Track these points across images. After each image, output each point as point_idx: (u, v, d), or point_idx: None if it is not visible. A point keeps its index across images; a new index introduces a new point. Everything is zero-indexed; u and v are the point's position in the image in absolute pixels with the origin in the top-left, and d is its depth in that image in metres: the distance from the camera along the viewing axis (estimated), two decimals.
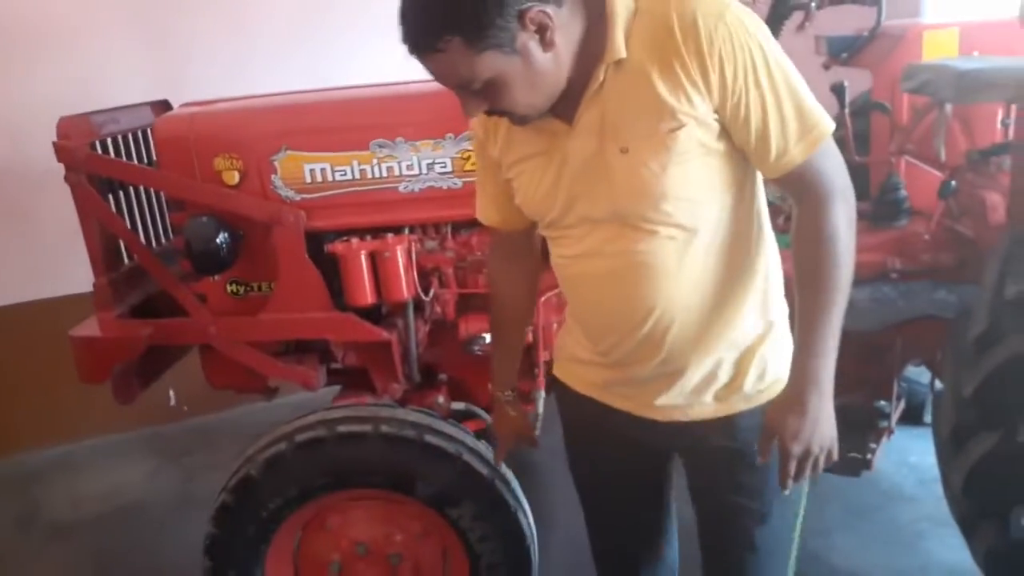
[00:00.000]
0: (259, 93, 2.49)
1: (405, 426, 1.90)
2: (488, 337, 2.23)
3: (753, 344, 1.38)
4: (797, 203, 1.29)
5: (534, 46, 1.17)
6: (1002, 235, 2.02)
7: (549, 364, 2.29)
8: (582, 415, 1.56)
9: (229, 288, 2.26)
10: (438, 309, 2.29)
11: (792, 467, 1.29)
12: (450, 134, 2.08)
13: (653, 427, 1.44)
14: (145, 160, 2.44)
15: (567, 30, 1.20)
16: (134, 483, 3.38)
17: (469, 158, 2.09)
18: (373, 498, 1.98)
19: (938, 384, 2.47)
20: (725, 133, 1.24)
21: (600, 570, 1.73)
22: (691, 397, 1.40)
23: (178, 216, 2.27)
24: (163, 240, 2.56)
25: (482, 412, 2.37)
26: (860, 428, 2.18)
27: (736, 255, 1.33)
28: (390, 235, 2.15)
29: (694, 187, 1.25)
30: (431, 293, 2.24)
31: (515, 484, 1.98)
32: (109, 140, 2.30)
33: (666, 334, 1.34)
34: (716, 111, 1.21)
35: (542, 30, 1.16)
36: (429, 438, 1.90)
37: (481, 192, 1.55)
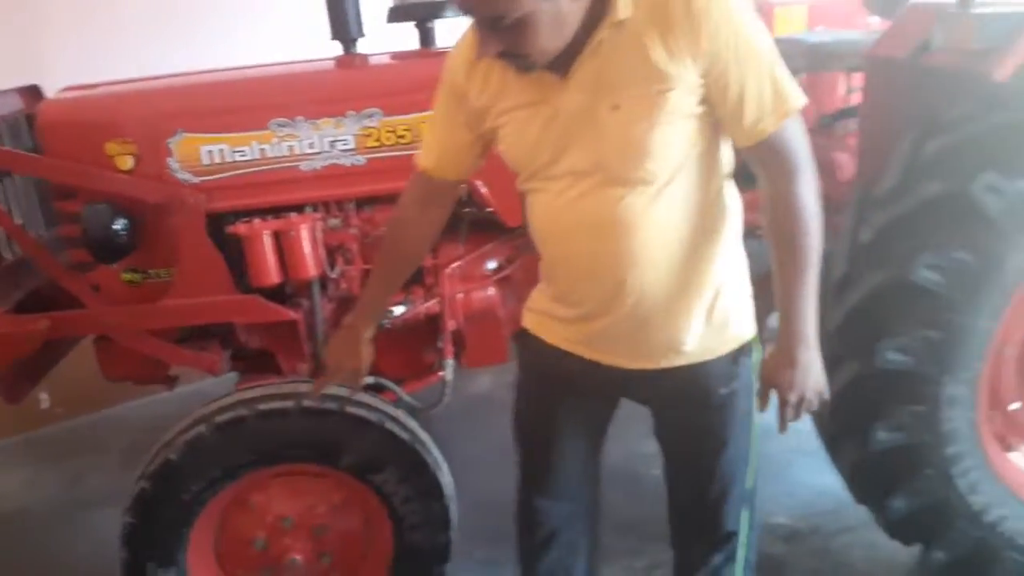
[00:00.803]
0: (129, 77, 2.42)
1: (326, 399, 1.93)
2: (396, 310, 2.30)
3: (716, 296, 1.51)
4: (766, 174, 1.43)
5: None
6: (853, 189, 2.28)
7: (456, 333, 2.39)
8: (544, 362, 1.65)
9: (125, 276, 2.21)
10: (344, 286, 2.33)
11: (790, 413, 1.48)
12: (351, 111, 2.12)
13: (619, 374, 1.56)
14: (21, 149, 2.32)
15: None
16: (12, 491, 3.19)
17: (371, 135, 2.14)
18: (293, 473, 2.01)
19: None
20: (705, 99, 1.36)
21: (523, 518, 1.81)
22: (660, 348, 1.52)
23: (66, 205, 2.19)
24: (40, 232, 2.44)
25: (392, 384, 2.43)
26: None
27: (704, 213, 1.45)
28: (293, 214, 2.17)
29: (675, 147, 1.37)
30: (336, 270, 2.28)
31: (432, 445, 2.07)
32: None
33: (638, 284, 1.44)
34: (702, 77, 1.33)
35: None
36: (351, 409, 1.95)
37: (431, 135, 1.62)
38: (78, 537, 2.88)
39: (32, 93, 2.47)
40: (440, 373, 2.55)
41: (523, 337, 1.73)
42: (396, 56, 2.43)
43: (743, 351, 1.57)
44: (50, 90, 2.38)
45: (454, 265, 2.32)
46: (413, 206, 1.69)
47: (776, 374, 1.47)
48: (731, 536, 1.70)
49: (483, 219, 2.33)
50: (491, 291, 2.40)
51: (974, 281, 1.93)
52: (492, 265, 2.43)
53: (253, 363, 2.47)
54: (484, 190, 2.20)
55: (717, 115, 1.39)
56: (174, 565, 1.97)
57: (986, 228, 1.90)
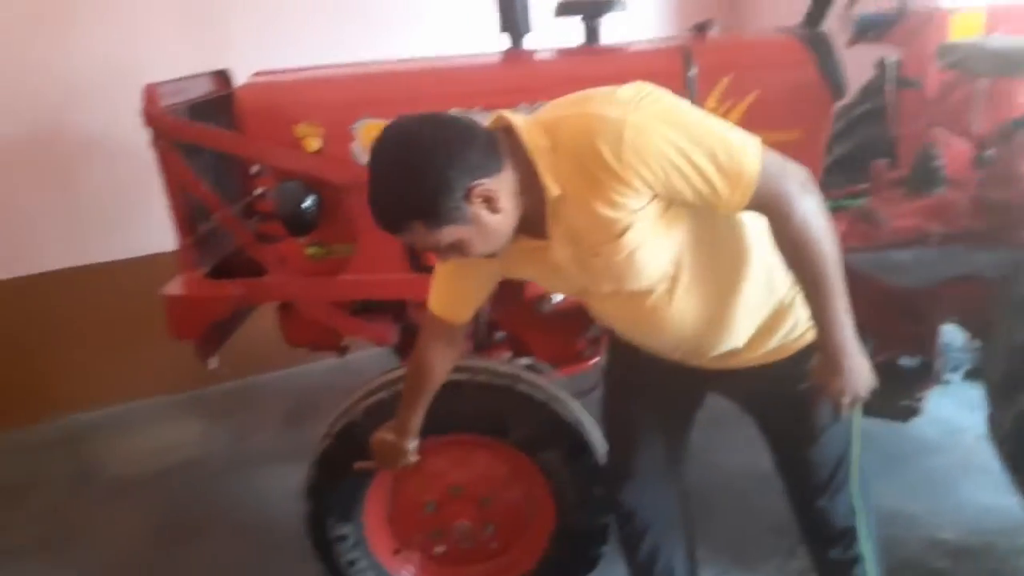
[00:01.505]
0: (314, 65, 2.56)
1: (498, 375, 2.02)
2: (556, 298, 2.36)
3: (774, 313, 1.60)
4: (765, 216, 1.42)
5: (484, 213, 1.35)
6: None
7: None
8: (628, 355, 1.76)
9: (309, 250, 2.36)
10: None
11: (844, 410, 1.55)
12: (524, 103, 2.15)
13: (698, 370, 1.68)
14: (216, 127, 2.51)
15: (507, 188, 1.37)
16: (186, 442, 3.48)
17: None
18: (463, 443, 2.10)
19: (958, 338, 2.64)
20: (671, 202, 1.38)
21: (615, 511, 1.92)
22: (737, 357, 1.64)
23: (258, 181, 2.36)
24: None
25: (545, 367, 2.50)
26: (908, 379, 2.34)
27: (730, 262, 1.52)
28: None
29: (662, 254, 1.45)
30: None
31: (596, 430, 2.12)
32: (182, 109, 2.37)
33: (699, 345, 1.59)
34: (653, 197, 1.36)
35: (488, 200, 1.34)
36: (520, 387, 2.03)
37: (440, 286, 1.69)
38: (243, 487, 3.12)
39: (221, 77, 2.67)
40: (592, 360, 2.62)
41: (610, 331, 1.81)
42: (563, 52, 2.49)
43: (816, 345, 1.58)
44: (238, 75, 2.57)
45: None
46: (434, 345, 1.75)
47: (825, 383, 1.52)
48: (846, 532, 1.76)
49: None
50: None
51: None
52: None
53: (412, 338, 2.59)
54: None
55: (693, 205, 1.40)
56: (350, 521, 2.11)
57: None
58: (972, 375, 2.56)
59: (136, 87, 2.21)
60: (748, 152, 1.34)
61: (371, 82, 2.35)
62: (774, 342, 1.62)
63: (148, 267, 3.23)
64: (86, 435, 3.59)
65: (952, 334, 2.57)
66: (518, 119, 1.40)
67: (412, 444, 1.89)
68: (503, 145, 1.37)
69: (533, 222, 1.43)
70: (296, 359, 3.73)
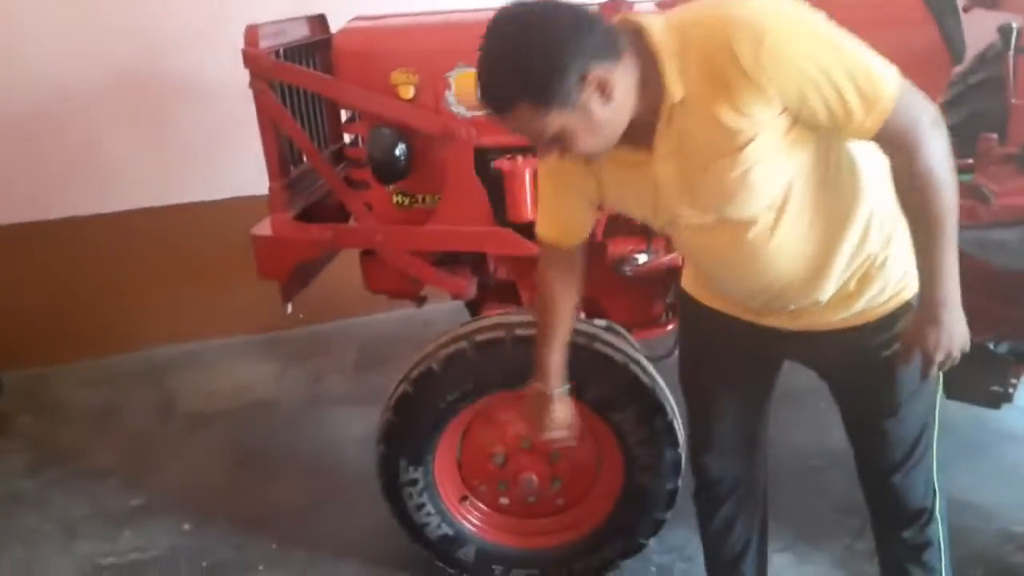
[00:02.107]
0: (412, 11, 2.57)
1: (577, 334, 2.00)
2: (640, 258, 2.34)
3: (868, 265, 1.51)
4: (887, 152, 1.36)
5: (596, 101, 1.27)
6: None
7: None
8: (702, 323, 1.73)
9: (395, 199, 2.39)
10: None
11: (934, 369, 1.46)
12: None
13: (776, 334, 1.61)
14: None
15: (625, 81, 1.29)
16: (263, 382, 3.59)
17: None
18: None
19: None
20: (797, 122, 1.31)
21: (695, 475, 1.89)
22: (817, 317, 1.56)
23: (352, 127, 2.39)
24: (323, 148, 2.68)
25: (622, 330, 2.49)
26: (1001, 364, 2.26)
27: (832, 202, 1.44)
28: None
29: (777, 177, 1.37)
30: None
31: (669, 394, 2.11)
32: (280, 52, 2.41)
33: (784, 290, 1.51)
34: (782, 111, 1.29)
35: (602, 87, 1.26)
36: (598, 346, 2.03)
37: (545, 211, 1.66)
38: (315, 427, 3.21)
39: (319, 21, 2.69)
40: (669, 327, 2.59)
41: (682, 297, 1.78)
42: (660, 4, 2.42)
43: (904, 310, 1.52)
44: (333, 20, 2.59)
45: None
46: (554, 275, 1.71)
47: (921, 335, 1.44)
48: (921, 513, 1.71)
49: None
50: None
51: None
52: None
53: (490, 295, 2.61)
54: None
55: (817, 128, 1.33)
56: (423, 465, 2.15)
57: None
58: None
59: (232, 31, 2.26)
60: (887, 77, 1.29)
61: (468, 30, 2.30)
62: (859, 304, 1.54)
63: (234, 210, 3.33)
64: (167, 369, 3.73)
65: None
66: (646, 19, 1.35)
67: (559, 390, 1.77)
68: (625, 41, 1.31)
69: (640, 131, 1.36)
70: (369, 307, 3.81)
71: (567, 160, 1.45)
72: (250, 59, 2.23)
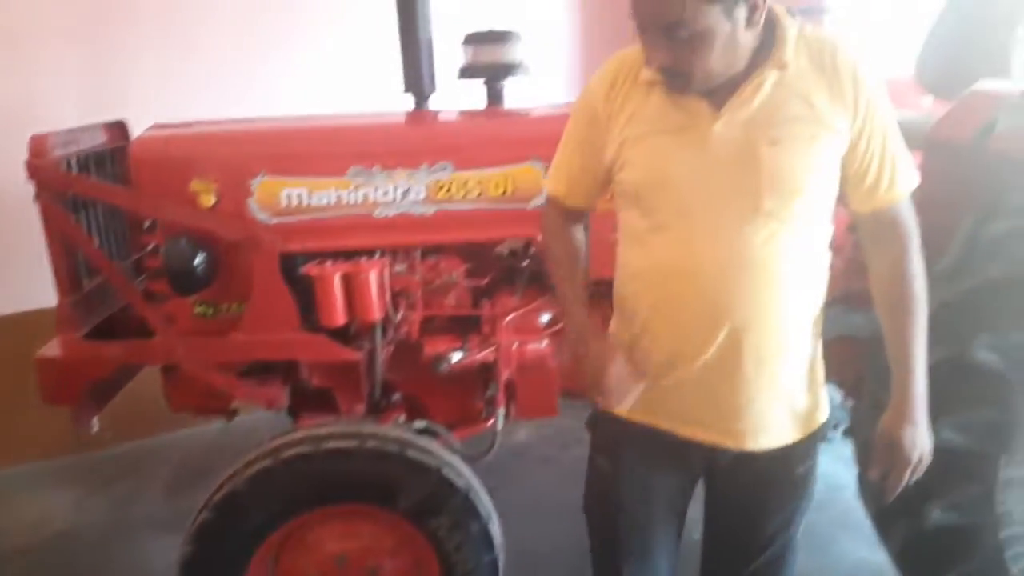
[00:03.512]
0: (214, 118, 2.54)
1: (388, 441, 1.98)
2: (454, 357, 2.36)
3: (812, 362, 1.54)
4: (880, 244, 1.49)
5: (743, 19, 1.32)
6: None
7: (508, 383, 2.44)
8: (628, 439, 1.62)
9: (197, 309, 2.29)
10: (403, 330, 2.39)
11: (906, 475, 1.49)
12: (425, 164, 2.21)
13: (700, 452, 1.56)
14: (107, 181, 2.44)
15: (757, 27, 1.36)
16: (61, 512, 3.26)
17: (442, 187, 2.22)
18: (349, 513, 2.03)
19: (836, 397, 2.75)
20: (843, 154, 1.42)
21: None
22: (750, 419, 1.50)
23: (148, 237, 2.29)
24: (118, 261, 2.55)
25: (442, 429, 2.47)
26: None
27: (816, 265, 1.49)
28: (364, 258, 2.25)
29: (819, 190, 1.42)
30: (399, 314, 2.34)
31: (485, 495, 2.10)
32: (72, 160, 2.29)
33: (740, 339, 1.43)
34: (848, 131, 1.41)
35: (753, 9, 1.32)
36: (411, 453, 1.99)
37: (562, 160, 1.63)
38: (124, 561, 2.93)
39: (118, 128, 2.60)
40: (489, 422, 2.60)
41: (598, 417, 1.70)
42: (467, 114, 2.53)
43: (820, 434, 1.59)
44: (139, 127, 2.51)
45: (511, 316, 2.38)
46: (557, 228, 1.67)
47: (898, 434, 1.48)
48: None
49: (540, 272, 2.40)
50: (545, 344, 2.45)
51: None
52: (546, 319, 2.49)
53: (305, 399, 2.53)
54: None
55: (844, 174, 1.45)
56: None
57: None
58: (850, 433, 2.65)
59: (25, 137, 2.14)
60: (913, 172, 1.47)
61: (271, 138, 2.34)
62: (803, 405, 1.53)
63: (23, 324, 3.08)
64: None
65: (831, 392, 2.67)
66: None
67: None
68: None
69: (718, 88, 1.38)
70: (183, 422, 3.57)
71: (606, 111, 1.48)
72: (36, 170, 2.12)
